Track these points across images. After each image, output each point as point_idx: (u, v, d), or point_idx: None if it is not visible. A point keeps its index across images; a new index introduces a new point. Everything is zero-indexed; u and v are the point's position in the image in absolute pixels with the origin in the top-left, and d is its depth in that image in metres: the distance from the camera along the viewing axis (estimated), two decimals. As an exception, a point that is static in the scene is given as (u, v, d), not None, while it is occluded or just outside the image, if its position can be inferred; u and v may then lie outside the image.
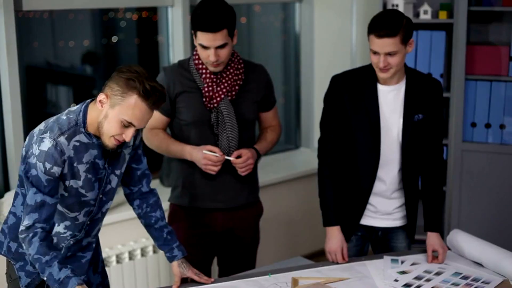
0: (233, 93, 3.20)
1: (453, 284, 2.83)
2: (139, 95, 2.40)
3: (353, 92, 3.06)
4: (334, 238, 3.11)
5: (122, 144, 2.61)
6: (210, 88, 3.17)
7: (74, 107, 2.59)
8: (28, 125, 4.05)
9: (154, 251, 4.16)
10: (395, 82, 3.02)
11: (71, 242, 2.74)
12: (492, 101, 4.28)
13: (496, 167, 4.29)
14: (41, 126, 2.57)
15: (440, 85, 3.09)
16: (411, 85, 3.03)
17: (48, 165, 2.47)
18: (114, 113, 2.44)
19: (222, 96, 3.18)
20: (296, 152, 5.57)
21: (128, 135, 2.48)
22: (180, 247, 2.88)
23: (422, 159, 3.12)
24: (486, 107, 4.30)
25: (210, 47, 3.05)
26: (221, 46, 3.06)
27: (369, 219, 3.19)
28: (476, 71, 4.30)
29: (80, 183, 2.59)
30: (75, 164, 2.55)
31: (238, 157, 3.16)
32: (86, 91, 4.63)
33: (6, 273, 2.80)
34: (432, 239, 3.09)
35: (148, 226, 2.90)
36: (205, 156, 3.11)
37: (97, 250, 2.93)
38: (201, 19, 3.03)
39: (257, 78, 3.30)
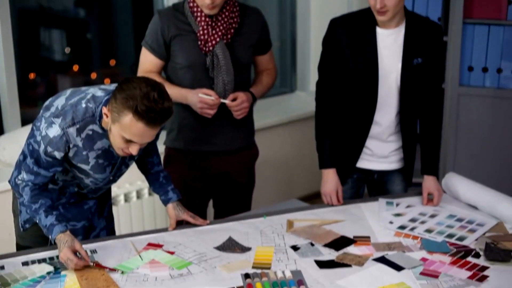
0: (228, 36, 3.16)
1: (448, 226, 2.85)
2: (133, 115, 2.31)
3: (351, 36, 3.02)
4: (330, 181, 3.12)
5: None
6: (205, 31, 3.13)
7: (99, 92, 2.51)
8: (21, 69, 4.01)
9: (150, 194, 4.18)
10: (394, 26, 2.98)
11: (76, 189, 2.76)
12: (490, 45, 4.24)
13: (492, 111, 4.28)
14: (61, 102, 2.51)
15: (440, 28, 3.05)
16: (410, 29, 2.99)
17: (49, 149, 2.46)
18: (115, 128, 2.39)
19: (218, 39, 3.13)
20: (291, 95, 5.54)
21: (133, 149, 2.42)
22: (175, 190, 2.88)
23: (421, 103, 3.11)
24: (484, 51, 4.26)
25: None
26: None
27: (365, 162, 3.19)
28: (474, 15, 4.25)
29: (88, 167, 2.59)
30: (84, 152, 2.53)
31: (234, 100, 3.14)
32: (79, 35, 4.57)
33: (12, 209, 2.83)
34: (428, 182, 3.09)
35: (145, 171, 2.90)
36: (201, 100, 3.09)
37: (106, 195, 2.94)
38: None
39: (253, 21, 3.26)
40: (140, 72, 3.20)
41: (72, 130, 2.45)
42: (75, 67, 4.47)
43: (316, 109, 3.16)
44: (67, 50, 4.44)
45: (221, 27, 3.14)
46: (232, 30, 3.17)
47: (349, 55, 3.03)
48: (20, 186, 2.57)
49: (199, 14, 3.13)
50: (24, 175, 2.55)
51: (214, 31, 3.13)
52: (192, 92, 3.13)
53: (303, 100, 5.37)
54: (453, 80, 4.29)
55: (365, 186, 3.34)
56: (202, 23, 3.13)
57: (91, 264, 2.46)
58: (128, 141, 2.40)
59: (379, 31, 2.99)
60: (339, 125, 3.15)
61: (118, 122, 2.35)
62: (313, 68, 5.28)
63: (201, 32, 3.13)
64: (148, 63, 3.20)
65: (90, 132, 2.49)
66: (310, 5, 5.33)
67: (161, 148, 3.07)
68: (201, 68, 3.17)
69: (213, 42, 3.13)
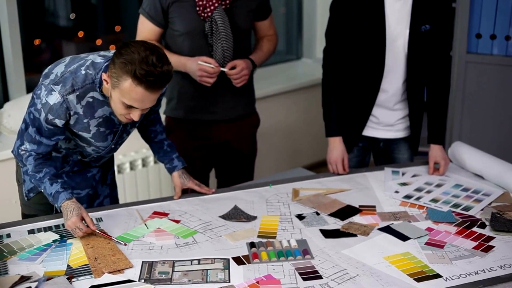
0: (227, 1, 3.12)
1: (454, 196, 2.84)
2: (132, 80, 2.28)
3: (359, 2, 2.98)
4: (336, 149, 3.11)
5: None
6: None
7: (99, 59, 2.48)
8: (26, 35, 3.99)
9: (155, 162, 4.18)
10: None
11: (79, 157, 2.76)
12: (499, 12, 4.18)
13: (500, 79, 4.24)
14: (60, 69, 2.48)
15: None
16: None
17: (50, 117, 2.45)
18: (115, 94, 2.37)
19: (216, 4, 3.09)
20: (298, 62, 5.51)
21: (135, 115, 2.40)
22: (180, 158, 2.87)
23: (428, 71, 3.08)
24: (492, 18, 4.21)
25: None
26: None
27: (371, 130, 3.17)
28: (483, -19, 4.20)
29: (89, 135, 2.58)
30: (84, 120, 2.51)
31: (233, 68, 3.12)
32: (84, 0, 4.53)
33: (16, 178, 2.83)
34: (435, 151, 3.08)
35: (149, 140, 2.90)
36: (200, 67, 3.06)
37: (109, 163, 2.94)
38: None
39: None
40: (138, 39, 3.16)
41: (72, 97, 2.44)
42: (80, 33, 4.44)
43: (323, 76, 3.14)
44: (72, 16, 4.41)
45: None
46: None
47: (356, 21, 3.00)
48: (24, 156, 2.57)
49: None
50: (27, 145, 2.55)
51: None
52: (191, 60, 3.10)
53: (309, 67, 5.34)
54: (461, 47, 4.25)
55: (370, 155, 3.34)
56: None
57: (97, 232, 2.47)
58: (129, 107, 2.38)
59: None
60: (346, 92, 3.14)
61: (118, 87, 2.33)
62: (320, 35, 5.24)
63: None
64: (146, 31, 3.16)
65: (91, 100, 2.48)
66: (316, -30, 5.28)
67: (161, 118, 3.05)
68: (200, 35, 3.13)
69: (212, 7, 3.08)
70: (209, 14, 3.09)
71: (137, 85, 2.29)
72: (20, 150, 2.58)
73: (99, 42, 4.53)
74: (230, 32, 3.12)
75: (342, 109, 3.14)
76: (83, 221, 2.45)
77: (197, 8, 3.10)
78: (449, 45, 3.10)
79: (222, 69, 3.09)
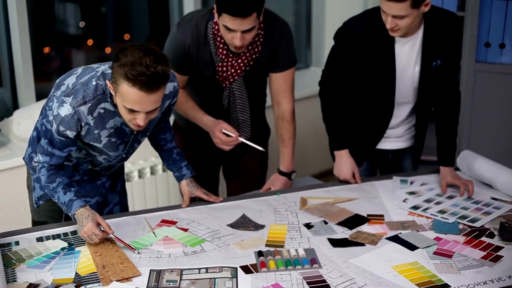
0: (248, 68, 3.03)
1: (463, 208, 2.82)
2: (126, 82, 2.28)
3: (367, 42, 2.89)
4: (344, 163, 3.07)
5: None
6: (225, 69, 3.00)
7: (109, 69, 2.46)
8: (35, 43, 4.01)
9: (163, 170, 4.18)
10: (411, 34, 2.87)
11: (89, 166, 2.77)
12: (508, 20, 4.17)
13: (509, 88, 4.22)
14: (71, 81, 2.48)
15: (458, 20, 2.93)
16: (428, 32, 2.87)
17: (62, 128, 2.45)
18: (118, 100, 2.37)
19: (236, 77, 3.02)
20: (306, 71, 5.51)
21: (140, 119, 2.38)
22: (188, 166, 2.88)
23: (437, 95, 3.03)
24: (501, 27, 4.20)
25: (237, 31, 2.78)
26: (248, 30, 2.80)
27: (381, 143, 3.17)
28: (492, -11, 4.19)
29: (100, 145, 2.59)
30: (95, 131, 2.52)
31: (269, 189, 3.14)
32: (94, 8, 4.55)
33: (26, 184, 2.85)
34: (446, 172, 3.02)
35: (158, 148, 2.90)
36: (220, 135, 3.00)
37: (119, 171, 2.95)
38: (230, 1, 2.71)
39: (277, 46, 3.04)
40: None
41: (83, 109, 2.44)
42: (90, 42, 4.46)
43: (320, 94, 3.09)
44: (82, 24, 4.42)
45: (241, 64, 3.00)
46: (251, 62, 3.02)
47: (364, 61, 2.93)
48: (37, 168, 2.57)
49: (222, 45, 2.96)
50: (39, 157, 2.55)
51: (233, 70, 3.01)
52: (214, 123, 3.03)
53: (318, 75, 5.28)
54: (470, 56, 4.24)
55: (377, 168, 3.33)
56: (223, 57, 2.98)
57: (113, 237, 2.47)
58: (132, 111, 2.37)
59: (396, 39, 2.88)
60: (356, 121, 3.12)
61: (118, 92, 2.34)
62: (328, 44, 5.24)
63: (220, 69, 3.00)
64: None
65: (102, 111, 2.48)
66: (325, -21, 5.28)
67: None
68: (218, 96, 3.09)
69: (231, 79, 3.03)
70: (228, 85, 3.05)
71: (131, 87, 2.28)
72: (33, 162, 2.59)
73: (108, 50, 4.54)
74: (247, 103, 3.09)
75: (352, 135, 3.11)
76: (99, 227, 2.46)
77: (217, 76, 3.03)
78: (458, 68, 3.04)
79: (242, 139, 3.02)
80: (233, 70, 3.01)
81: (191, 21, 2.99)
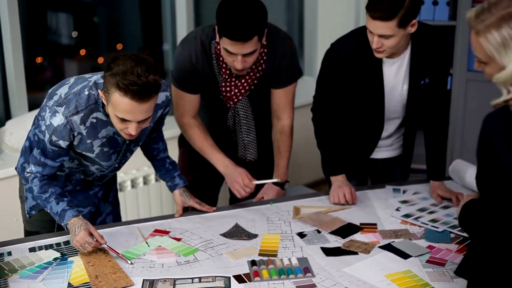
0: (252, 87, 3.01)
1: (456, 218, 2.82)
2: (118, 92, 2.28)
3: (355, 66, 2.87)
4: (341, 189, 2.96)
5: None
6: (228, 89, 2.98)
7: (102, 79, 2.45)
8: (28, 53, 4.01)
9: (156, 180, 4.18)
10: (398, 55, 2.86)
11: (82, 176, 2.77)
12: (499, 29, 4.19)
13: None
14: (64, 91, 2.48)
15: (446, 37, 2.91)
16: (416, 51, 2.86)
17: (54, 138, 2.45)
18: (110, 109, 2.38)
19: (240, 97, 3.01)
20: (299, 80, 5.49)
21: (132, 129, 2.38)
22: (181, 176, 2.88)
23: (426, 109, 3.03)
24: (492, 36, 4.22)
25: (237, 54, 2.74)
26: (250, 53, 2.75)
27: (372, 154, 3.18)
28: (483, -1, 4.21)
29: (93, 155, 2.59)
30: (88, 141, 2.52)
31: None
32: (86, 19, 4.56)
33: (19, 195, 2.84)
34: (435, 186, 3.02)
35: (151, 158, 2.90)
36: (238, 182, 2.96)
37: (111, 180, 2.95)
38: (229, 26, 2.65)
39: (279, 62, 3.01)
40: (180, 113, 3.05)
41: (76, 118, 2.44)
42: (82, 52, 4.46)
43: (314, 126, 3.10)
44: (74, 34, 4.43)
45: (245, 84, 2.99)
46: (256, 81, 2.99)
47: (353, 81, 2.92)
48: (29, 178, 2.57)
49: (224, 65, 2.92)
50: (32, 167, 2.55)
51: (237, 90, 2.99)
52: (232, 168, 2.98)
53: (310, 85, 5.32)
54: (461, 65, 4.26)
55: (368, 177, 3.33)
56: (226, 77, 2.96)
57: (106, 246, 2.47)
58: (124, 121, 2.37)
59: (384, 59, 2.86)
60: (347, 137, 3.12)
61: (110, 101, 2.34)
62: (320, 53, 5.25)
63: (224, 89, 2.98)
64: (185, 102, 3.02)
65: (94, 120, 2.48)
66: (317, -11, 5.30)
67: (170, 133, 3.04)
68: (223, 116, 3.10)
69: (235, 99, 3.02)
70: (232, 105, 3.04)
71: (123, 96, 2.28)
72: (25, 173, 2.59)
73: (101, 60, 4.55)
74: (253, 123, 3.08)
75: (343, 152, 3.10)
76: (91, 236, 2.46)
77: (221, 96, 3.01)
78: (446, 83, 3.03)
79: (257, 182, 2.98)
80: (236, 90, 3.00)
81: (194, 39, 2.95)
